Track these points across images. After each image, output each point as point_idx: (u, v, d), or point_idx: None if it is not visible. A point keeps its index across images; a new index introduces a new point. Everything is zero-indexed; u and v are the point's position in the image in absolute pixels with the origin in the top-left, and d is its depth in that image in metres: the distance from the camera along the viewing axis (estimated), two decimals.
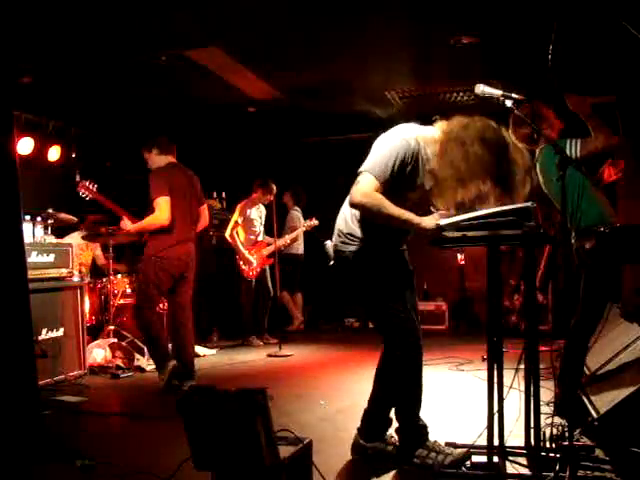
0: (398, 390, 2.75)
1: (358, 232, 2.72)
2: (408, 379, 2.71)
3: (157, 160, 4.64)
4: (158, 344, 4.50)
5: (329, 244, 2.82)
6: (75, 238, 5.84)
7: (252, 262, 6.61)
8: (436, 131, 2.65)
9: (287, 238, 7.09)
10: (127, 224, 4.75)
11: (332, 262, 2.80)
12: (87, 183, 4.91)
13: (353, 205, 2.63)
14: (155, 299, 4.56)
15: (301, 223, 7.41)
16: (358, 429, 2.91)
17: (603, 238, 3.12)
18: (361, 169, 2.64)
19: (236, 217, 6.64)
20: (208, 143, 8.18)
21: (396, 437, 2.88)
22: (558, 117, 3.50)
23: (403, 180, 2.61)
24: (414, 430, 2.73)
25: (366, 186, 2.59)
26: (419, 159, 2.63)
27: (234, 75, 5.92)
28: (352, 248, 2.71)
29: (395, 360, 2.71)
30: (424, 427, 2.76)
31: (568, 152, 3.23)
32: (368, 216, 2.64)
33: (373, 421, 2.89)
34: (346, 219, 2.77)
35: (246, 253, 6.62)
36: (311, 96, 6.62)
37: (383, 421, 2.90)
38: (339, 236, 2.77)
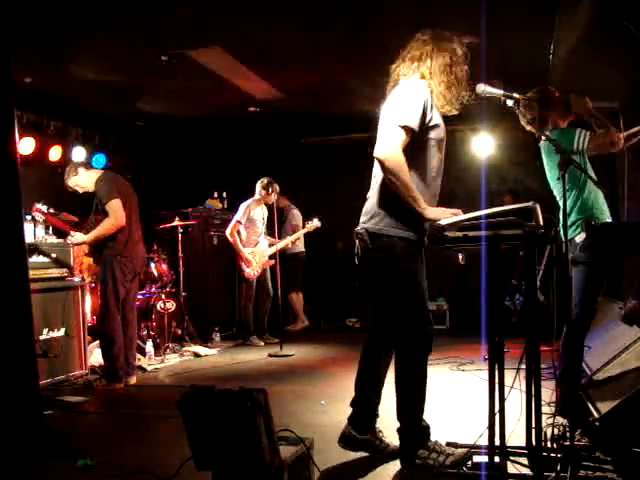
0: (405, 389, 2.73)
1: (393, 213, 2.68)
2: (417, 378, 2.71)
3: (89, 175, 4.71)
4: (118, 354, 4.55)
5: (362, 230, 2.76)
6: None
7: (252, 262, 6.61)
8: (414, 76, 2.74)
9: (289, 240, 7.09)
10: (79, 237, 4.67)
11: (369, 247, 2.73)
12: (40, 205, 4.87)
13: (377, 158, 2.61)
14: (120, 300, 4.61)
15: (300, 221, 7.45)
16: (349, 418, 2.90)
17: (594, 232, 3.12)
18: (385, 121, 2.63)
19: (238, 217, 6.62)
20: (208, 143, 8.18)
21: (384, 432, 2.90)
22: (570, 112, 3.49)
23: (428, 125, 2.64)
24: (417, 431, 2.72)
25: (394, 140, 2.57)
26: (432, 102, 2.68)
27: (234, 75, 5.91)
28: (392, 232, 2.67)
29: (407, 357, 2.70)
30: (427, 427, 2.76)
31: (575, 142, 3.24)
32: (385, 174, 2.61)
33: (363, 411, 2.89)
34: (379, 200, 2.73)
35: (246, 253, 6.60)
36: (311, 96, 6.62)
37: (371, 410, 2.90)
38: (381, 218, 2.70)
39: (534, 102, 3.15)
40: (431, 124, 2.67)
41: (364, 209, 2.80)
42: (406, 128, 2.59)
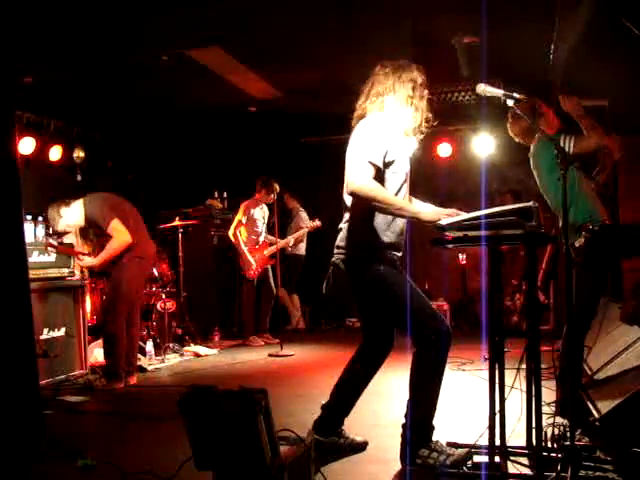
0: (421, 390, 2.72)
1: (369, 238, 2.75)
2: (435, 380, 2.69)
3: (72, 210, 4.59)
4: (120, 354, 4.55)
5: (338, 260, 2.83)
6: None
7: (252, 262, 6.61)
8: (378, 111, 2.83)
9: (290, 238, 7.09)
10: (88, 261, 4.67)
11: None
12: (51, 240, 4.79)
13: (351, 193, 2.68)
14: (128, 305, 4.60)
15: (306, 224, 7.47)
16: (315, 422, 2.93)
17: (592, 236, 3.12)
18: (350, 159, 2.70)
19: (240, 216, 6.63)
20: (209, 143, 8.18)
21: (348, 431, 2.94)
22: (557, 116, 3.50)
23: (389, 161, 2.71)
24: (424, 431, 2.71)
25: (362, 172, 2.64)
26: (392, 137, 2.76)
27: (234, 75, 5.92)
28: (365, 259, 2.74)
29: (426, 359, 2.69)
30: (432, 429, 2.74)
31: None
32: (366, 203, 2.66)
33: (334, 416, 2.93)
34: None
35: (247, 253, 6.60)
36: (311, 96, 6.62)
37: (342, 416, 2.93)
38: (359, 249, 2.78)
39: (524, 113, 3.14)
40: (393, 159, 2.74)
41: (337, 241, 2.86)
42: (372, 164, 2.66)
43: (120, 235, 4.45)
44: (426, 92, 2.86)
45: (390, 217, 2.74)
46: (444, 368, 2.71)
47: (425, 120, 2.84)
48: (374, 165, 2.67)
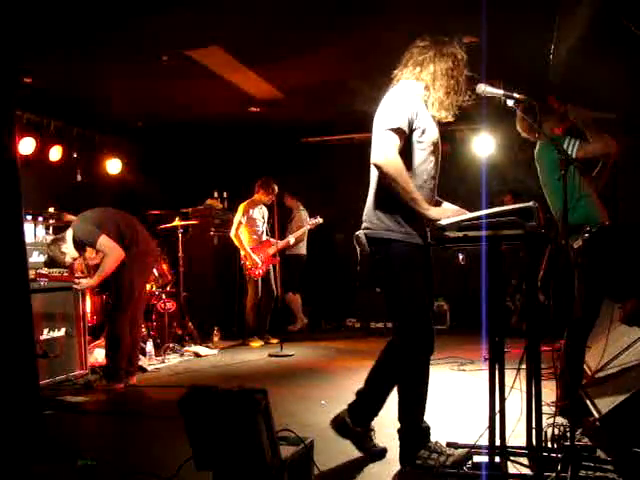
0: (405, 390, 2.73)
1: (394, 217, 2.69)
2: (417, 379, 2.70)
3: (67, 241, 4.53)
4: (122, 355, 4.54)
5: (361, 234, 2.77)
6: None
7: (258, 262, 6.59)
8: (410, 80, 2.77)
9: (292, 237, 7.08)
10: (85, 283, 4.61)
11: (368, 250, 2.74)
12: (41, 271, 4.70)
13: (374, 164, 2.63)
14: (133, 305, 4.59)
15: (306, 223, 7.47)
16: (349, 406, 2.90)
17: (591, 237, 3.12)
18: (377, 128, 2.65)
19: (239, 217, 6.63)
20: (209, 143, 8.18)
21: (375, 429, 2.93)
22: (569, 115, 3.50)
23: (415, 128, 2.66)
24: (417, 432, 2.72)
25: (388, 144, 2.59)
26: (420, 105, 2.71)
27: (234, 75, 5.92)
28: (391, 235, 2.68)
29: (407, 358, 2.70)
30: (427, 429, 2.75)
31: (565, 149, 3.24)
32: (384, 179, 2.63)
33: (368, 405, 2.90)
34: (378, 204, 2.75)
35: (252, 253, 6.59)
36: (311, 96, 6.62)
37: (376, 408, 2.90)
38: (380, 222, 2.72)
39: (534, 108, 3.14)
40: (419, 127, 2.68)
41: (363, 214, 2.81)
42: (397, 130, 2.61)
43: (111, 251, 4.40)
44: (466, 70, 2.78)
45: (416, 186, 2.65)
46: (427, 368, 2.73)
47: (457, 102, 2.77)
48: (400, 131, 2.60)
